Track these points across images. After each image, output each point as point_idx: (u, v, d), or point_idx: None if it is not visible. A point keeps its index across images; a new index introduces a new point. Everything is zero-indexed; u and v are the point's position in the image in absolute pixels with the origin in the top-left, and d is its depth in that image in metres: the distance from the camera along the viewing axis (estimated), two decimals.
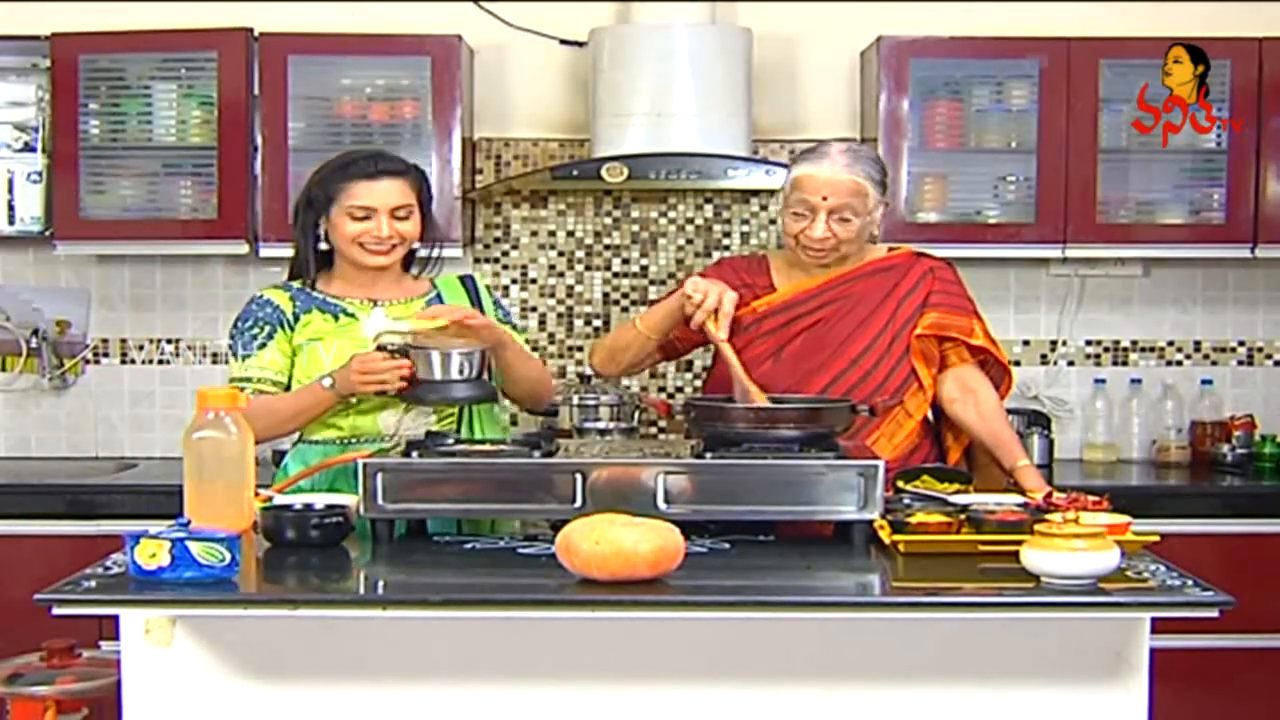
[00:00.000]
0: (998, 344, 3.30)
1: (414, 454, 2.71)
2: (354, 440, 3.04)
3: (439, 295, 3.18)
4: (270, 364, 3.04)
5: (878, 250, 3.34)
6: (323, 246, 3.10)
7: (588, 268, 4.54)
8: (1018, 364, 4.48)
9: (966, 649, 2.44)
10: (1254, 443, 4.37)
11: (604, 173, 4.06)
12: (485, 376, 2.98)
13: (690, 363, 4.44)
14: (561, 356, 4.55)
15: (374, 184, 3.05)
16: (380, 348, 2.95)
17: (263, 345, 3.04)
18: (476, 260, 4.51)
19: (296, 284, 3.13)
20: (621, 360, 3.32)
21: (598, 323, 4.54)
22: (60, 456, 4.50)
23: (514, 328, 3.23)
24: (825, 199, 3.12)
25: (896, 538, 2.58)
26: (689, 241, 4.52)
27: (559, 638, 2.43)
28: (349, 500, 2.70)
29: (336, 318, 3.08)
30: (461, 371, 2.93)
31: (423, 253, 3.19)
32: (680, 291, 3.12)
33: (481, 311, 3.16)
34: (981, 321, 3.27)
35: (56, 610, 2.29)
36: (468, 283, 3.24)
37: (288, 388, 3.06)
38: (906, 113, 4.17)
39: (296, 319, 3.06)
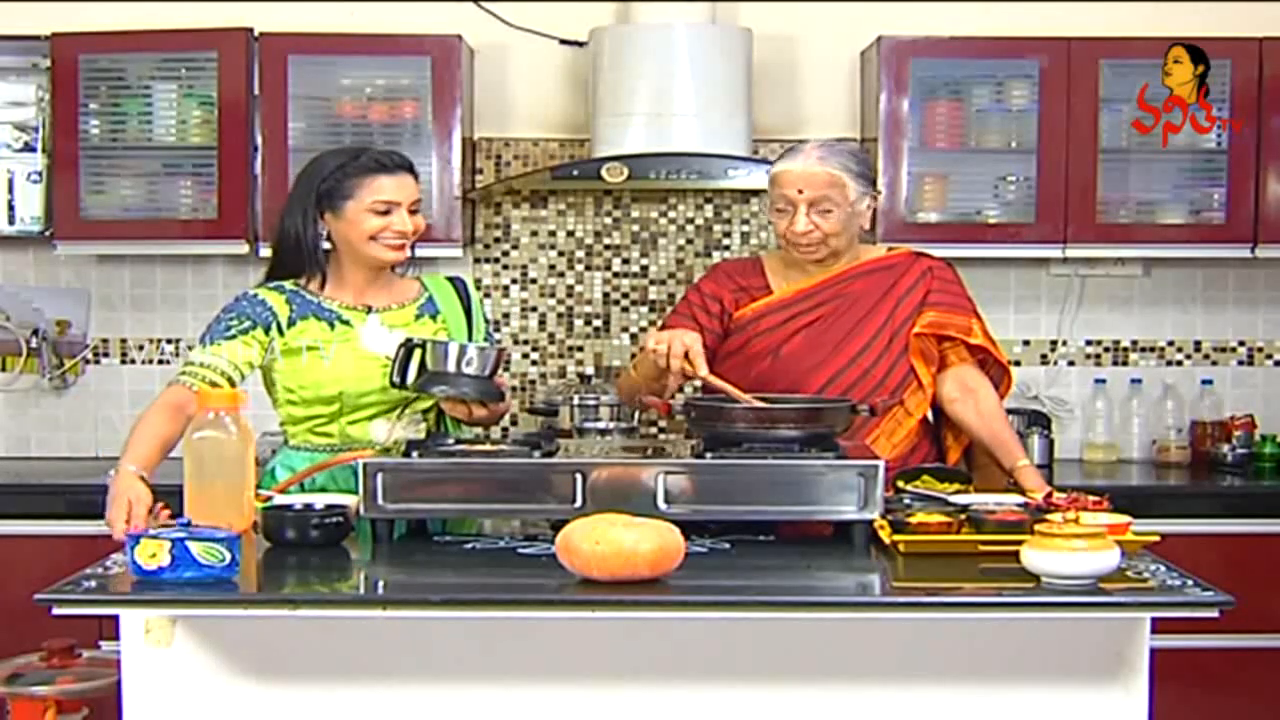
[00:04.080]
0: (997, 344, 3.29)
1: (414, 454, 2.71)
2: (345, 448, 3.00)
3: (431, 298, 3.15)
4: (226, 355, 2.94)
5: (876, 250, 3.35)
6: (324, 246, 3.03)
7: (588, 268, 4.54)
8: (1018, 364, 4.48)
9: (966, 649, 2.44)
10: (1254, 443, 4.38)
11: (604, 173, 4.06)
12: (495, 375, 2.96)
13: None
14: (561, 356, 4.55)
15: (395, 178, 3.01)
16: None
17: (231, 338, 2.95)
18: (477, 260, 4.51)
19: (290, 284, 3.05)
20: (652, 392, 3.20)
21: (597, 323, 4.54)
22: (60, 456, 4.50)
23: (489, 340, 3.18)
24: (801, 192, 3.13)
25: (896, 538, 2.58)
26: (689, 241, 4.53)
27: (559, 638, 2.43)
28: (349, 500, 2.69)
29: (333, 325, 3.02)
30: (472, 366, 2.91)
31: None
32: (649, 350, 3.05)
33: (469, 317, 3.15)
34: (981, 321, 3.27)
35: (56, 610, 2.29)
36: (459, 286, 3.19)
37: (233, 383, 2.95)
38: (906, 113, 4.17)
39: (291, 324, 2.99)
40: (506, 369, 3.54)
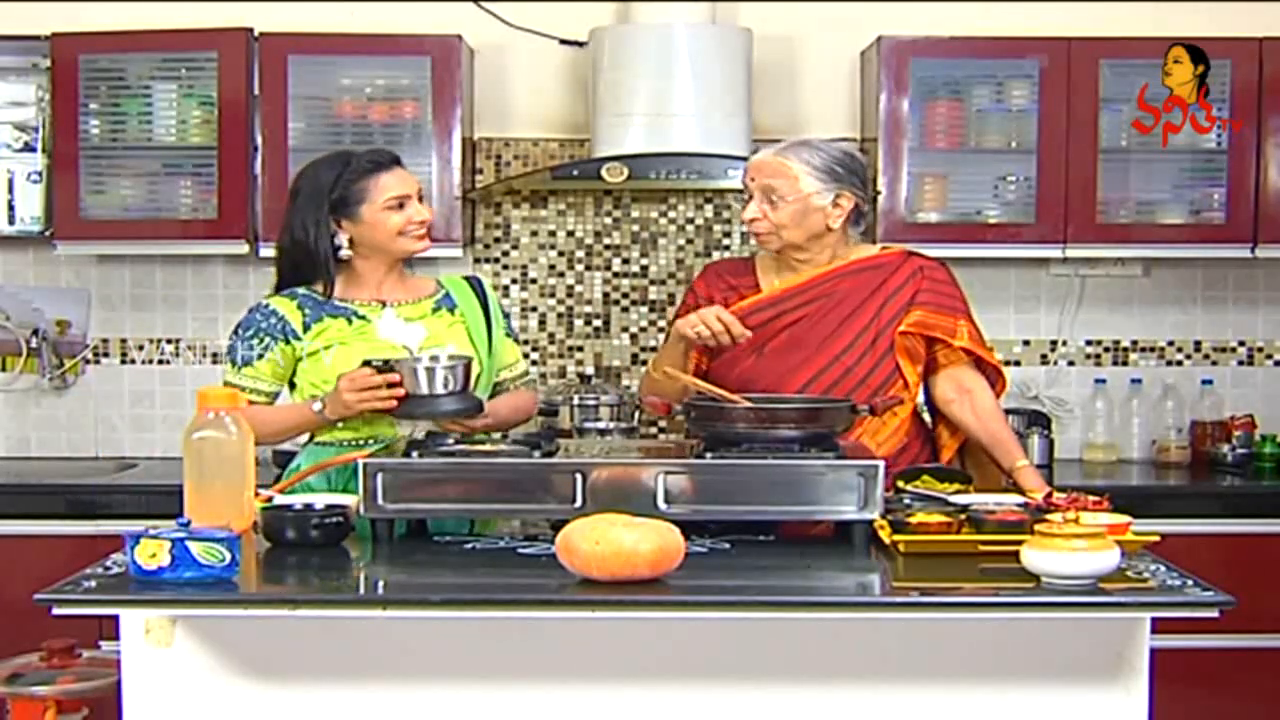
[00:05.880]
0: (988, 346, 3.26)
1: (414, 454, 2.71)
2: (370, 443, 3.02)
3: (448, 295, 3.18)
4: (263, 375, 3.05)
5: (868, 249, 3.33)
6: (344, 254, 3.06)
7: (588, 268, 4.54)
8: (1017, 364, 4.49)
9: (966, 649, 2.44)
10: (1254, 443, 4.37)
11: (604, 173, 4.06)
12: (470, 388, 2.97)
13: None
14: (561, 356, 4.55)
15: (398, 172, 3.08)
16: (366, 363, 2.94)
17: (259, 356, 3.03)
18: (476, 260, 4.51)
19: (303, 290, 3.09)
20: (674, 398, 3.12)
21: (597, 323, 4.54)
22: (60, 456, 4.50)
23: (515, 340, 3.25)
24: (753, 180, 3.18)
25: (896, 538, 2.58)
26: (689, 241, 4.53)
27: (559, 638, 2.43)
28: (349, 500, 2.70)
29: (350, 321, 3.06)
30: (446, 384, 2.91)
31: None
32: (677, 336, 3.13)
33: (487, 316, 3.17)
34: (971, 323, 3.23)
35: (56, 610, 2.29)
36: (475, 285, 3.23)
37: (275, 397, 3.08)
38: (906, 113, 4.18)
39: (307, 328, 3.04)
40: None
